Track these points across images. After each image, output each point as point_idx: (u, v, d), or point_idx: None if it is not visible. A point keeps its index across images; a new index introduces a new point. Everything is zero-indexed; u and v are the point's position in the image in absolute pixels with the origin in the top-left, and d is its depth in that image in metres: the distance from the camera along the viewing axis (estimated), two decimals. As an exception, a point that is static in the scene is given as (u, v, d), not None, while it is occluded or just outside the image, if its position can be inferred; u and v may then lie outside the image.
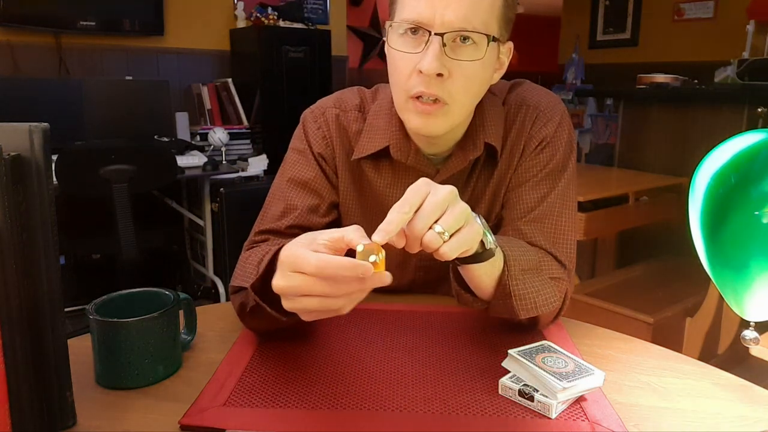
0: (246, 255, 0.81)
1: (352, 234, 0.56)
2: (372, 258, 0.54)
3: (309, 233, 0.59)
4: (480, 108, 0.84)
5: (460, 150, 0.85)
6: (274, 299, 0.68)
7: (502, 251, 0.71)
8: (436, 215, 0.57)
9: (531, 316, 0.74)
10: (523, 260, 0.74)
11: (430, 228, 0.57)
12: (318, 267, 0.54)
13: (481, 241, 0.65)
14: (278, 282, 0.58)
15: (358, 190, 0.90)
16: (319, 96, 0.95)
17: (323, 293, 0.56)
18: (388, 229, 0.55)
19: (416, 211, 0.56)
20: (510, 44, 0.81)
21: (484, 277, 0.70)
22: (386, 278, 0.55)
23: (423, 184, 0.58)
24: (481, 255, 0.66)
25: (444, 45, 0.72)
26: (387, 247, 0.56)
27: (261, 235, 0.86)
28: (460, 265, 0.70)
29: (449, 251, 0.58)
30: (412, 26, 0.73)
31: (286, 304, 0.58)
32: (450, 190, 0.58)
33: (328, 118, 0.90)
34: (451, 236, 0.58)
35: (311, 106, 0.93)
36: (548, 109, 0.87)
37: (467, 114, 0.81)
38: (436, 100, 0.74)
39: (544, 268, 0.78)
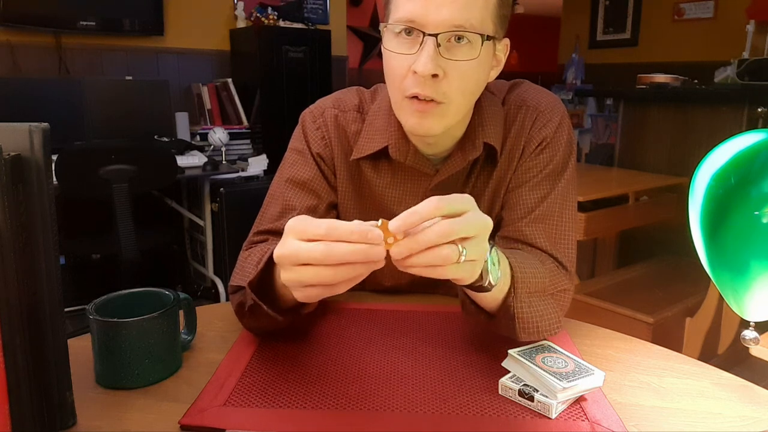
0: (245, 255, 0.82)
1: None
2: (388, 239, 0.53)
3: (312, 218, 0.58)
4: (479, 108, 0.84)
5: (460, 150, 0.85)
6: (271, 298, 0.68)
7: (512, 271, 0.69)
8: (467, 233, 0.54)
9: (532, 339, 0.73)
10: (532, 282, 0.72)
11: (454, 243, 0.54)
12: (328, 229, 0.52)
13: (483, 272, 0.62)
14: (278, 250, 0.56)
15: (357, 191, 0.90)
16: (319, 96, 0.95)
17: (316, 259, 0.53)
18: (410, 220, 0.53)
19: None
20: (506, 41, 0.81)
21: (488, 297, 0.69)
22: (381, 253, 0.53)
23: (469, 198, 0.56)
24: (477, 288, 0.65)
25: (438, 45, 0.71)
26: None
27: (260, 236, 0.86)
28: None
29: (449, 274, 0.55)
30: (407, 27, 0.73)
31: (283, 275, 0.56)
32: (489, 221, 0.56)
33: (327, 118, 0.90)
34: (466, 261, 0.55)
35: (310, 107, 0.93)
36: (548, 109, 0.86)
37: (464, 113, 0.81)
38: (431, 100, 0.74)
39: (552, 285, 0.76)
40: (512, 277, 0.70)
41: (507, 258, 0.69)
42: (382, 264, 0.54)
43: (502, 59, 0.82)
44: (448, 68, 0.73)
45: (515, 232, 0.83)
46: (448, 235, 0.53)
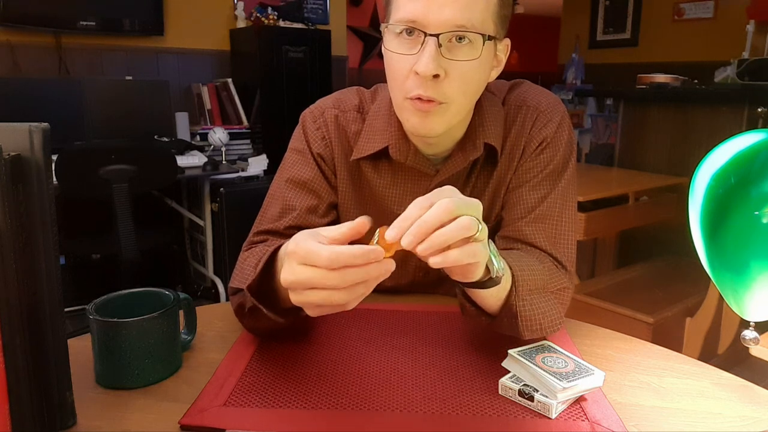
0: (244, 256, 0.81)
1: (350, 229, 0.55)
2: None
3: (309, 230, 0.58)
4: (479, 108, 0.84)
5: (460, 151, 0.84)
6: (271, 300, 0.68)
7: (511, 270, 0.69)
8: (467, 210, 0.55)
9: (535, 337, 0.73)
10: (531, 280, 0.72)
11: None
12: (330, 259, 0.52)
13: (487, 268, 0.63)
14: (286, 276, 0.56)
15: (357, 191, 0.90)
16: (319, 96, 0.95)
17: (332, 285, 0.54)
18: (403, 225, 0.54)
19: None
20: (507, 41, 0.81)
21: (490, 298, 0.69)
22: (391, 266, 0.54)
23: (452, 188, 0.57)
24: (485, 282, 0.65)
25: (440, 45, 0.71)
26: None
27: (260, 236, 0.86)
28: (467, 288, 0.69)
29: (479, 254, 0.56)
30: (408, 27, 0.73)
31: (294, 298, 0.57)
32: (479, 203, 0.57)
33: (327, 118, 0.90)
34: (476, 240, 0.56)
35: (310, 107, 0.93)
36: (548, 109, 0.86)
37: (465, 114, 0.81)
38: (433, 100, 0.74)
39: (551, 283, 0.76)
40: (512, 276, 0.70)
41: (504, 259, 0.69)
42: (389, 274, 0.55)
43: (503, 59, 0.82)
44: (449, 68, 0.73)
45: (515, 232, 0.83)
46: (450, 211, 0.54)
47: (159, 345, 0.65)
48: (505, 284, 0.68)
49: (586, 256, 2.67)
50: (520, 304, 0.70)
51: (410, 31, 0.73)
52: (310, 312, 0.58)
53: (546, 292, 0.75)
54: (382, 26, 0.77)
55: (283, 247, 0.64)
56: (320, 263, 0.53)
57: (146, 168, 2.24)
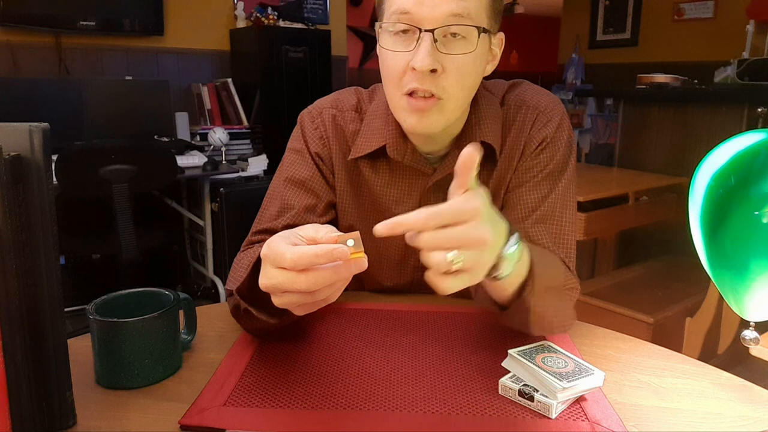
0: (240, 257, 0.82)
1: (323, 234, 0.55)
2: (349, 242, 0.54)
3: (285, 232, 0.58)
4: (476, 106, 0.84)
5: (457, 149, 0.85)
6: (261, 302, 0.68)
7: (531, 265, 0.68)
8: (457, 244, 0.53)
9: (543, 334, 0.73)
10: (549, 278, 0.71)
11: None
12: (293, 260, 0.53)
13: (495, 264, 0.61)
14: (262, 281, 0.57)
15: (355, 190, 0.91)
16: (318, 96, 0.95)
17: (304, 289, 0.54)
18: (393, 227, 0.53)
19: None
20: (501, 35, 0.82)
21: (501, 291, 0.69)
22: (363, 263, 0.54)
23: (473, 210, 0.55)
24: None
25: (435, 40, 0.72)
26: (390, 239, 0.54)
27: (258, 235, 0.86)
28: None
29: (445, 287, 0.54)
30: (403, 24, 0.73)
31: (275, 301, 0.58)
32: (486, 235, 0.55)
33: (325, 118, 0.90)
34: (459, 270, 0.53)
35: (308, 107, 0.93)
36: (548, 109, 0.87)
37: (462, 109, 0.81)
38: (430, 96, 0.74)
39: (563, 283, 0.76)
40: (531, 271, 0.68)
41: (528, 252, 0.68)
42: (364, 267, 0.54)
43: (498, 54, 0.83)
44: (445, 63, 0.73)
45: (520, 234, 0.83)
46: (437, 246, 0.53)
47: (159, 345, 0.65)
48: (513, 281, 0.67)
49: (586, 256, 2.66)
50: (534, 301, 0.69)
51: (405, 29, 0.73)
52: (296, 312, 0.59)
53: (559, 291, 0.75)
54: (377, 26, 0.78)
55: None
56: (286, 265, 0.53)
57: (146, 168, 2.24)
